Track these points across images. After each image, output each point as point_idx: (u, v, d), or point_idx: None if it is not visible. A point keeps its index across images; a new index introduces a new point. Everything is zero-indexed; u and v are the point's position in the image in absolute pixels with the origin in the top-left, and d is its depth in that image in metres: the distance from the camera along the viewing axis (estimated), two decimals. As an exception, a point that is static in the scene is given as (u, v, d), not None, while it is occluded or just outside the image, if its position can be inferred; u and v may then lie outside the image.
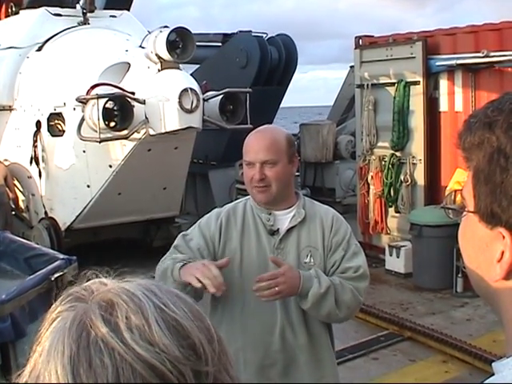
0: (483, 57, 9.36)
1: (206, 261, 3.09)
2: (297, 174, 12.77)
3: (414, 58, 10.26)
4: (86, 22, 11.79)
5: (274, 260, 3.14)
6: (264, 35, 13.97)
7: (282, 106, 15.08)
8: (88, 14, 11.81)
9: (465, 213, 1.16)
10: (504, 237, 1.07)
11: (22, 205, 11.61)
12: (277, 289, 3.03)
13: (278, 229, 3.29)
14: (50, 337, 0.86)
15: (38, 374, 0.84)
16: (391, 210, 10.85)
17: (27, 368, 0.88)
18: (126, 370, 0.80)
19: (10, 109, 11.54)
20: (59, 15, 11.86)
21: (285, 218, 3.31)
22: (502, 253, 1.08)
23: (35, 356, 0.87)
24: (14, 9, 12.55)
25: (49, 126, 10.87)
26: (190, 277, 2.97)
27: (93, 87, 9.60)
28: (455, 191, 1.21)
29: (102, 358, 0.81)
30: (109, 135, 9.51)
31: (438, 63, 10.07)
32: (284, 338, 3.25)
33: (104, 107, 9.30)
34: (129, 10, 12.81)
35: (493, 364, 1.11)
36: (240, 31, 14.38)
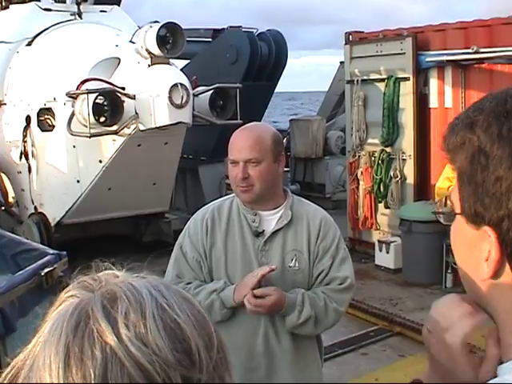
0: (473, 53, 9.35)
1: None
2: (286, 169, 12.81)
3: (403, 53, 10.26)
4: (80, 13, 11.76)
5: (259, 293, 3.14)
6: (254, 30, 13.95)
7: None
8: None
9: (458, 216, 1.16)
10: (490, 235, 1.08)
11: (11, 200, 11.56)
12: (259, 310, 3.12)
13: (264, 230, 3.22)
14: (52, 320, 0.87)
15: (34, 356, 0.85)
16: (381, 206, 10.86)
17: (32, 342, 0.88)
18: (114, 366, 0.80)
19: (0, 103, 11.49)
20: (49, 10, 11.83)
21: (271, 219, 3.25)
22: (490, 252, 1.08)
23: (38, 335, 0.88)
24: (3, 3, 12.49)
25: (39, 121, 10.83)
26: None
27: (83, 82, 9.57)
28: (446, 197, 1.22)
29: (94, 350, 0.81)
30: (99, 130, 9.50)
31: (427, 59, 10.07)
32: (267, 342, 3.23)
33: (94, 102, 9.30)
34: (119, 4, 12.77)
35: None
36: (230, 27, 14.35)
